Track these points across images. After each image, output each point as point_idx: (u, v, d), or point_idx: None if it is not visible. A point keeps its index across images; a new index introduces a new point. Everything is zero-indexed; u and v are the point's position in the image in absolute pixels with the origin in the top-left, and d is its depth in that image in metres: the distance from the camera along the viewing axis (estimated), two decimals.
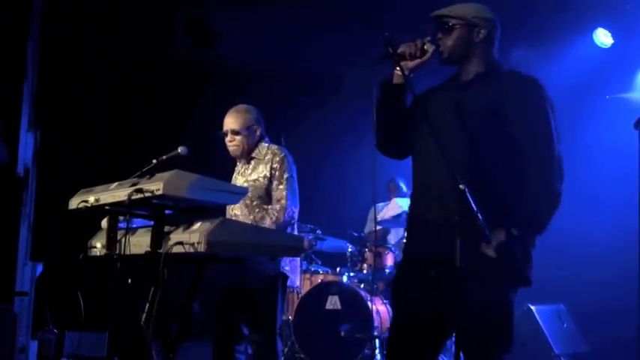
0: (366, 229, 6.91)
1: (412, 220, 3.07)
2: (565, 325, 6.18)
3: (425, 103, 2.92)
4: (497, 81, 2.93)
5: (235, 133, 4.05)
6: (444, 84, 3.10)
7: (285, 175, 3.93)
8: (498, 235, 2.70)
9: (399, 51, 2.88)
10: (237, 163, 4.17)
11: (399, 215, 6.44)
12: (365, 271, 6.07)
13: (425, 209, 2.93)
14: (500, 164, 2.84)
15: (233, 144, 4.06)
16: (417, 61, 2.91)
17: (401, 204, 6.80)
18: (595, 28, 6.62)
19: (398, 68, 2.91)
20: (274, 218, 3.86)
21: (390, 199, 7.02)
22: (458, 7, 2.97)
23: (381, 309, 5.68)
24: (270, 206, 3.91)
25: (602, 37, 6.63)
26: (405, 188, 7.05)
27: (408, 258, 3.06)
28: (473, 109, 2.87)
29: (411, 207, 3.10)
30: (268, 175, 3.94)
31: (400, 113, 3.01)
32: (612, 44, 6.61)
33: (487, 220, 2.56)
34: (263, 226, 3.82)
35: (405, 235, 3.14)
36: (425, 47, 2.90)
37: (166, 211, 2.89)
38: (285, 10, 6.45)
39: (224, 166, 4.26)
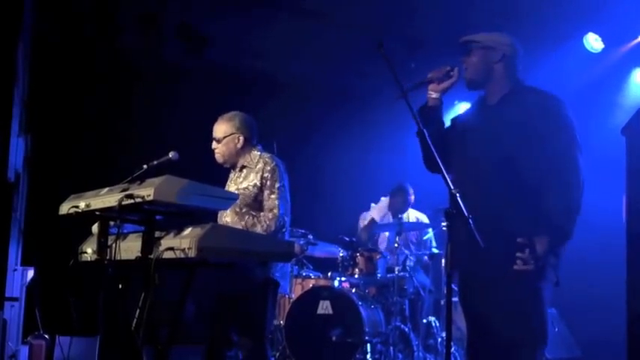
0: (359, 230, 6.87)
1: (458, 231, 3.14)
2: (557, 330, 6.19)
3: (460, 124, 3.33)
4: (521, 100, 3.24)
5: (217, 140, 4.07)
6: (474, 107, 3.43)
7: (277, 185, 3.93)
8: (540, 245, 3.04)
9: (428, 77, 3.32)
10: (231, 171, 4.17)
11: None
12: (356, 276, 6.07)
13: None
14: (532, 178, 3.12)
15: (216, 151, 4.09)
16: (445, 84, 3.31)
17: (421, 217, 6.85)
18: (585, 32, 6.65)
19: (430, 92, 3.34)
20: (265, 226, 3.86)
21: (400, 209, 6.79)
22: (479, 34, 3.35)
23: (371, 314, 5.68)
24: (262, 214, 3.91)
25: (593, 42, 6.66)
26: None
27: (465, 271, 3.28)
28: (502, 130, 3.17)
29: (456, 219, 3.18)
30: (259, 184, 3.93)
31: (439, 132, 3.33)
32: (602, 49, 6.64)
33: (523, 228, 3.01)
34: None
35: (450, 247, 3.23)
36: (450, 72, 3.30)
37: (157, 217, 2.90)
38: (264, 14, 6.47)
39: (221, 173, 4.25)
